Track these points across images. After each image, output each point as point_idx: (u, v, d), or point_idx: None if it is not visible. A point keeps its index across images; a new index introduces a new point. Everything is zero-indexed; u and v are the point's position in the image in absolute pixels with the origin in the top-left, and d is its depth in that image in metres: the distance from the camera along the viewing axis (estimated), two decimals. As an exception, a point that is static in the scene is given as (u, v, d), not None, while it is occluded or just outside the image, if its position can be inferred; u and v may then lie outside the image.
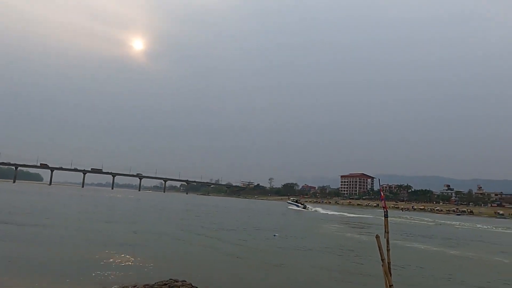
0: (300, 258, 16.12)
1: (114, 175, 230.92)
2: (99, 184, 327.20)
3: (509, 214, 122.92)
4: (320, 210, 78.14)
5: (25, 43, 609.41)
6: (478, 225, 56.86)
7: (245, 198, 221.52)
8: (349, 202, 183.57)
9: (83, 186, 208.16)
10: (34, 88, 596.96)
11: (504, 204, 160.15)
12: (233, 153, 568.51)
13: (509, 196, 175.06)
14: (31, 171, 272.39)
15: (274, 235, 24.13)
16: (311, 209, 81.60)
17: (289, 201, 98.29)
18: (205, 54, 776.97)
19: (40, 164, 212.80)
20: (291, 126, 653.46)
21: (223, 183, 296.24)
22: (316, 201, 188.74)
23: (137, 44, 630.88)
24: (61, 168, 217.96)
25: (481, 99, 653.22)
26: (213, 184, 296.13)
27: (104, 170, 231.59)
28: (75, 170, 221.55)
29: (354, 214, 72.78)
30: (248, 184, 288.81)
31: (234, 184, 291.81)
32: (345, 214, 70.38)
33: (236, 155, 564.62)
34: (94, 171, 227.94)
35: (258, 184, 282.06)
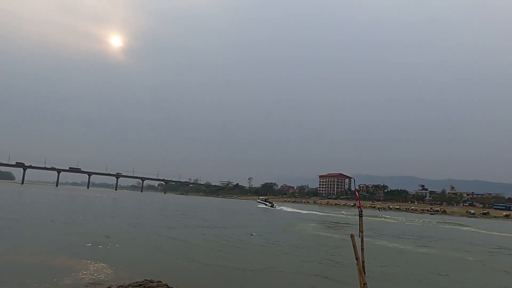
0: (278, 257, 16.10)
1: (90, 174, 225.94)
2: (74, 183, 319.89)
3: (479, 214, 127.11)
4: (284, 208, 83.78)
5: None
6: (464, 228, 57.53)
7: (224, 197, 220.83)
8: (327, 202, 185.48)
9: (57, 185, 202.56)
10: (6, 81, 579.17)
11: (475, 203, 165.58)
12: (212, 152, 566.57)
13: (480, 196, 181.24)
14: (1, 170, 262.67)
15: (252, 234, 24.08)
16: (278, 207, 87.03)
17: (258, 200, 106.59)
18: (185, 47, 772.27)
19: (16, 162, 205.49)
20: (268, 124, 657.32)
21: (202, 182, 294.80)
22: (295, 201, 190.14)
23: (114, 40, 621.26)
24: (35, 167, 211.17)
25: (456, 103, 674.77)
26: (191, 183, 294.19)
27: (80, 169, 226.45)
28: (51, 168, 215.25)
29: (321, 212, 77.27)
30: (227, 184, 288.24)
31: (213, 184, 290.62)
32: (314, 212, 75.12)
33: (216, 154, 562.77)
34: (71, 170, 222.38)
35: (237, 184, 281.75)
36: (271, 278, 11.88)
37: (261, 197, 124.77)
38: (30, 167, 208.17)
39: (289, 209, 78.50)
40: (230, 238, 21.65)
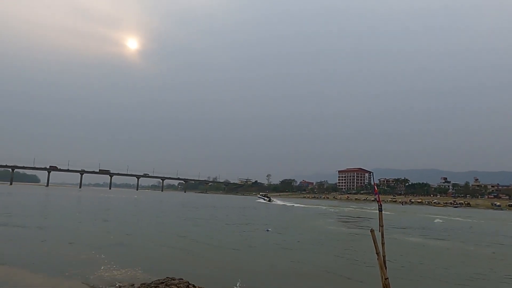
0: (295, 252, 16.17)
1: (111, 175, 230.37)
2: (97, 185, 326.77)
3: (505, 205, 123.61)
4: (278, 201, 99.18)
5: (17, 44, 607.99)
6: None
7: (243, 195, 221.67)
8: (347, 197, 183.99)
9: (80, 187, 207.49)
10: (25, 85, 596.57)
11: (500, 195, 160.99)
12: (232, 151, 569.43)
13: (505, 187, 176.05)
14: (27, 173, 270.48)
15: (267, 230, 24.37)
16: (274, 201, 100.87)
17: (258, 196, 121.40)
18: (198, 48, 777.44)
19: (50, 166, 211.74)
20: (285, 120, 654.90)
21: (221, 180, 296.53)
22: (314, 197, 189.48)
23: (130, 43, 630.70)
24: (59, 169, 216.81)
25: (475, 90, 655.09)
26: (211, 182, 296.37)
27: (101, 170, 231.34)
28: (75, 171, 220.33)
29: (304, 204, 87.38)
30: (246, 181, 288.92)
31: (231, 182, 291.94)
32: (310, 205, 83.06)
33: (234, 152, 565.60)
34: (101, 172, 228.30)
35: (256, 181, 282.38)
36: (290, 278, 11.92)
37: (261, 193, 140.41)
38: (56, 169, 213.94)
39: (280, 202, 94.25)
40: (246, 234, 21.96)
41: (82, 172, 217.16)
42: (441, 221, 44.51)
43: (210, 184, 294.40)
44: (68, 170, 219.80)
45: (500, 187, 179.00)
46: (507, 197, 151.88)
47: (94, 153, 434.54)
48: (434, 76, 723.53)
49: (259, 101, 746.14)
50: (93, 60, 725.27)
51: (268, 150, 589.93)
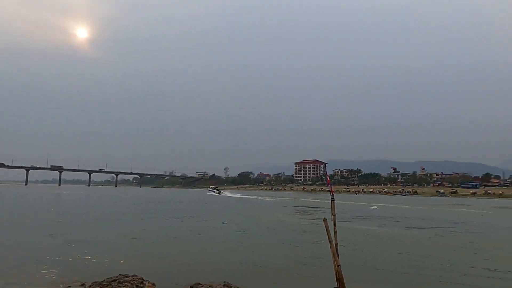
0: (253, 243, 16.27)
1: (61, 170, 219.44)
2: (45, 181, 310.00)
3: (448, 192, 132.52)
4: (227, 193, 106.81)
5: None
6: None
7: (200, 188, 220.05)
8: (303, 188, 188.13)
9: (26, 184, 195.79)
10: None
11: (444, 183, 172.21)
12: (189, 144, 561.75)
13: (448, 175, 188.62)
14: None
15: (223, 223, 24.36)
16: (223, 193, 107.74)
17: (209, 188, 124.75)
18: (152, 37, 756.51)
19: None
20: (243, 113, 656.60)
21: (178, 174, 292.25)
22: (272, 189, 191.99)
23: (79, 31, 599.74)
24: (5, 166, 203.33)
25: (424, 87, 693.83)
26: (167, 176, 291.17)
27: (53, 166, 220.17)
28: (20, 167, 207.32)
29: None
30: (203, 175, 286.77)
31: (189, 175, 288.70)
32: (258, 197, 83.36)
33: (191, 145, 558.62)
34: (47, 168, 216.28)
35: (214, 174, 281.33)
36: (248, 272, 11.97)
37: (211, 186, 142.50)
38: (3, 165, 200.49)
39: (229, 194, 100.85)
40: (202, 228, 21.96)
41: (28, 169, 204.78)
42: (376, 208, 46.82)
43: (166, 178, 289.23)
44: (14, 167, 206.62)
45: (444, 176, 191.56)
46: (449, 185, 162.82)
47: (42, 147, 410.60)
48: (386, 72, 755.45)
49: (216, 94, 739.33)
50: (43, 48, 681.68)
51: (226, 143, 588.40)
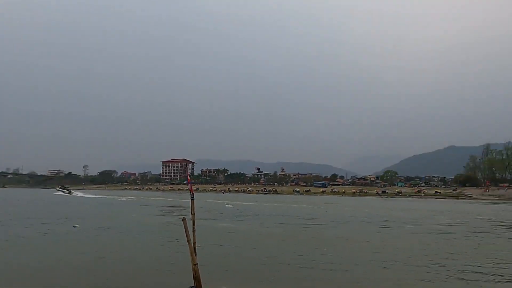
0: (102, 246, 14.64)
1: None
2: None
3: (303, 191, 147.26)
4: (79, 193, 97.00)
5: None
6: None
7: (53, 188, 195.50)
8: (170, 187, 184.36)
9: None
10: None
11: (300, 182, 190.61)
12: (36, 134, 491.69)
13: (304, 175, 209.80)
14: None
15: (74, 226, 21.92)
16: (74, 193, 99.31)
17: (57, 188, 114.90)
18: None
19: None
20: (107, 102, 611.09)
21: (25, 172, 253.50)
22: (136, 188, 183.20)
23: None
24: None
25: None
26: (10, 174, 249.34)
27: None
28: None
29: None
30: (58, 173, 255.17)
31: (39, 174, 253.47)
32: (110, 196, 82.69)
33: (40, 136, 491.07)
34: None
35: (70, 173, 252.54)
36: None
37: (60, 185, 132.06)
38: None
39: (81, 194, 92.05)
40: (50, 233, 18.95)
41: None
42: (231, 206, 48.75)
43: (9, 177, 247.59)
44: None
45: (300, 176, 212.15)
46: (304, 184, 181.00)
47: None
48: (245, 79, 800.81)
49: (70, 75, 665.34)
50: None
51: (84, 135, 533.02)
